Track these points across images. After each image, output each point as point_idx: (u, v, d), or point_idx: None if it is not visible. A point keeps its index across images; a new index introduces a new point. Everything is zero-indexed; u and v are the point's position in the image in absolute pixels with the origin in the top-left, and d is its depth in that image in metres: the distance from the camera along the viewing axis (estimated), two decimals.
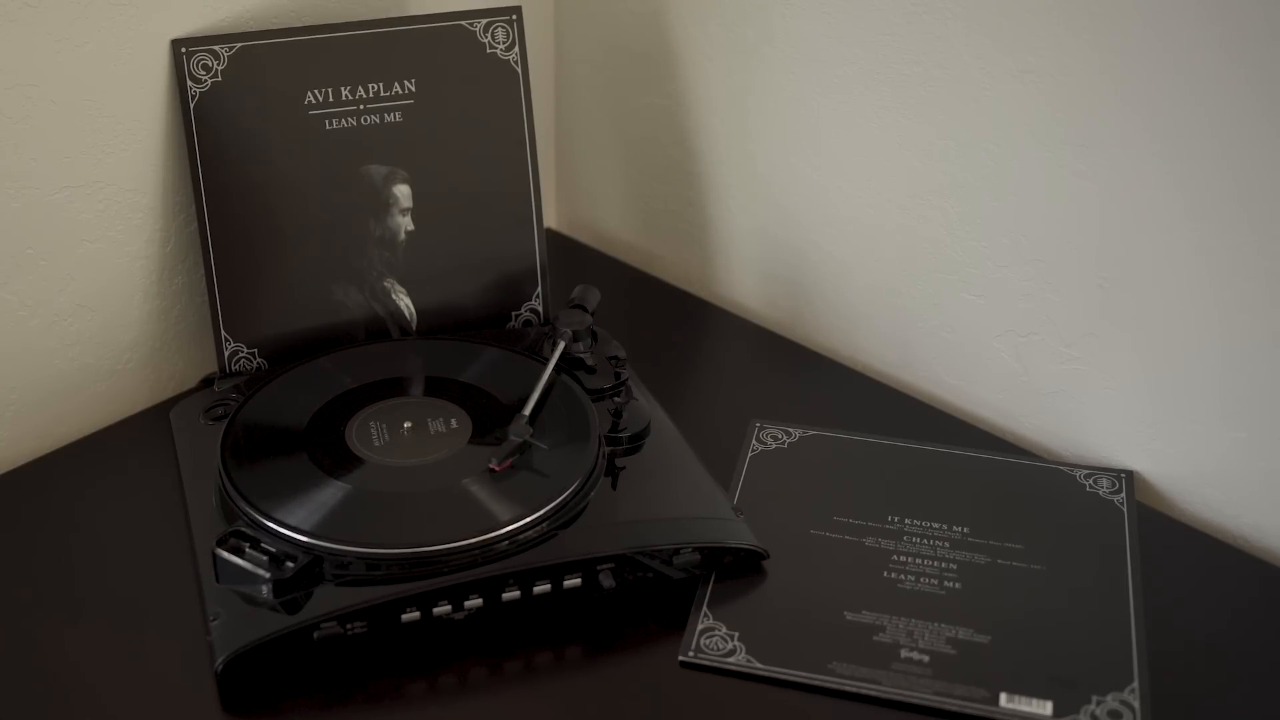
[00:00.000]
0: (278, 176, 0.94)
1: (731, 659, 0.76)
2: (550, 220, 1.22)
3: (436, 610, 0.76)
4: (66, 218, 0.90)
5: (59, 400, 0.93)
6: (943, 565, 0.83)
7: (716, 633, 0.78)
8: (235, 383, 0.92)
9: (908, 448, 0.93)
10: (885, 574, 0.82)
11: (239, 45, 0.92)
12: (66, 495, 0.88)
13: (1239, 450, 0.87)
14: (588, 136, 1.18)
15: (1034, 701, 0.74)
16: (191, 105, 0.91)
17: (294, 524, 0.78)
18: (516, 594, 0.77)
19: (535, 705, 0.74)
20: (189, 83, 0.91)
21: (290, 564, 0.75)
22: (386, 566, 0.76)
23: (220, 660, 0.72)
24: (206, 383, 0.94)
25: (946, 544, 0.85)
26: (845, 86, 0.98)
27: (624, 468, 0.86)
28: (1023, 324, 0.95)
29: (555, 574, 0.78)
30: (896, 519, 0.87)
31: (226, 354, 0.94)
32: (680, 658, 0.77)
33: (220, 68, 0.92)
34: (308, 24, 0.95)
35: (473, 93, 0.97)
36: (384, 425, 0.86)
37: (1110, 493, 0.89)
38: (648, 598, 0.80)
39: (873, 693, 0.75)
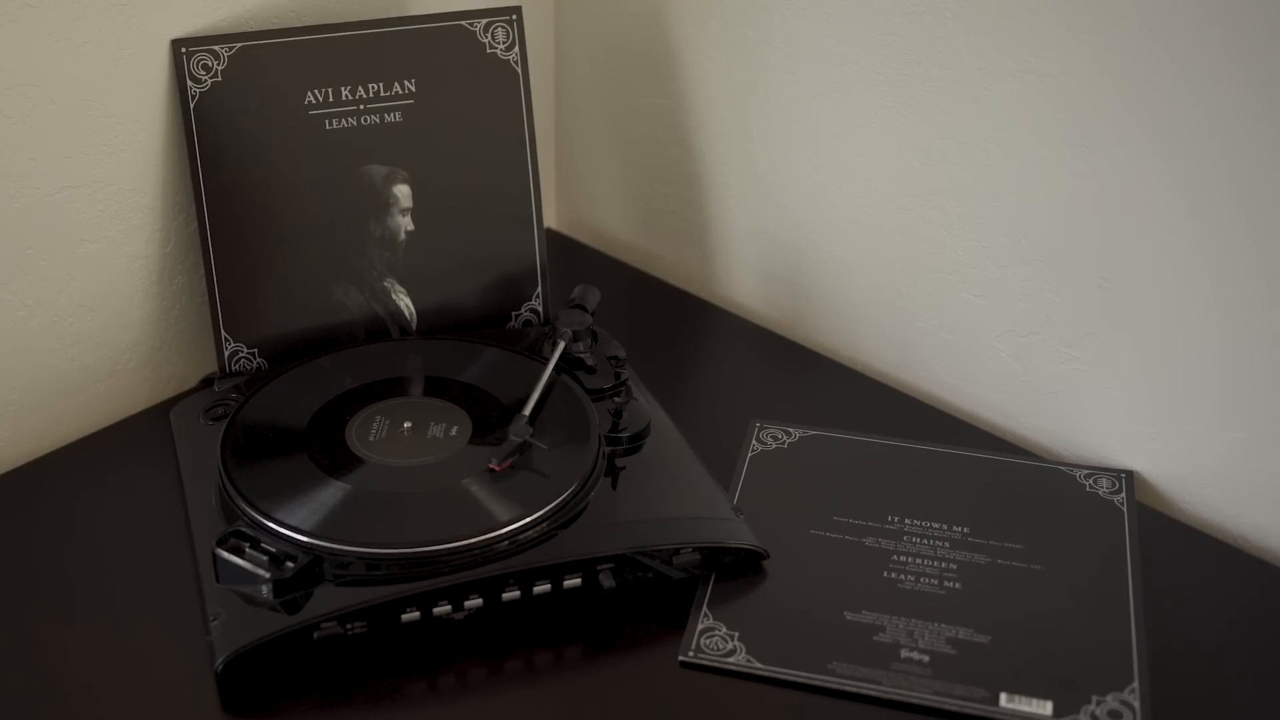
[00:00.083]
0: (278, 176, 0.94)
1: (731, 659, 0.76)
2: (550, 220, 1.22)
3: (436, 610, 0.76)
4: (66, 218, 0.90)
5: (59, 400, 0.93)
6: (943, 565, 0.83)
7: (716, 633, 0.78)
8: (235, 383, 0.92)
9: (908, 448, 0.93)
10: (885, 574, 0.82)
11: (239, 45, 0.92)
12: (66, 495, 0.88)
13: (1239, 450, 0.87)
14: (588, 136, 1.18)
15: (1034, 701, 0.74)
16: (191, 105, 0.91)
17: (294, 524, 0.78)
18: (516, 594, 0.77)
19: (535, 705, 0.74)
20: (189, 83, 0.91)
21: (290, 564, 0.75)
22: (386, 566, 0.76)
23: (220, 660, 0.72)
24: (206, 383, 0.94)
25: (946, 544, 0.85)
26: (845, 86, 0.98)
27: (624, 468, 0.86)
28: (1023, 324, 0.95)
29: (555, 574, 0.78)
30: (896, 519, 0.87)
31: (226, 354, 0.94)
32: (680, 658, 0.77)
33: (220, 68, 0.92)
34: (308, 24, 0.95)
35: (473, 93, 0.97)
36: (384, 425, 0.86)
37: (1110, 493, 0.89)
38: (648, 598, 0.80)
39: (873, 693, 0.75)
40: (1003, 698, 0.74)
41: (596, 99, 1.16)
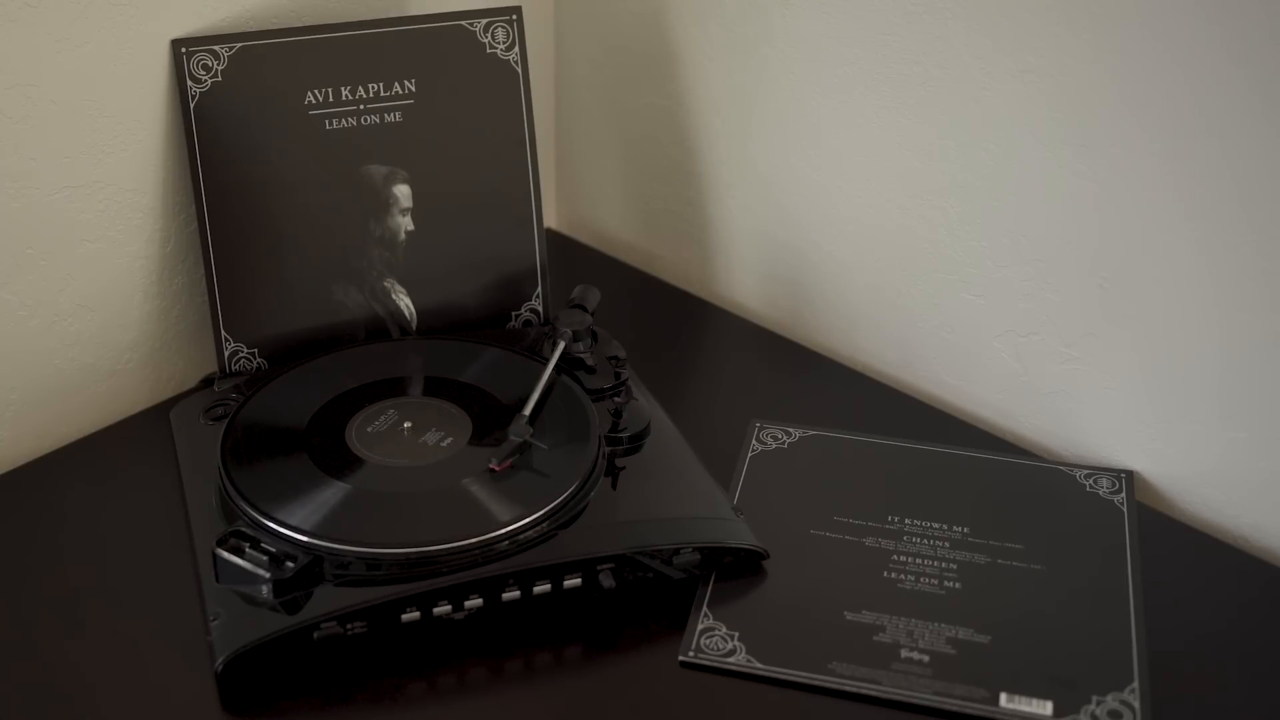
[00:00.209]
0: (278, 176, 0.94)
1: (731, 659, 0.76)
2: (550, 220, 1.22)
3: (436, 610, 0.76)
4: (66, 218, 0.90)
5: (59, 400, 0.93)
6: (943, 565, 0.83)
7: (716, 633, 0.78)
8: (235, 383, 0.92)
9: (908, 448, 0.93)
10: (885, 574, 0.82)
11: (239, 45, 0.92)
12: (66, 495, 0.88)
13: (1239, 450, 0.87)
14: (588, 136, 1.18)
15: (1034, 701, 0.74)
16: (191, 105, 0.91)
17: (294, 524, 0.78)
18: (516, 594, 0.77)
19: (535, 705, 0.74)
20: (189, 83, 0.91)
21: (290, 564, 0.75)
22: (386, 566, 0.76)
23: (220, 660, 0.72)
24: (206, 383, 0.94)
25: (946, 544, 0.85)
26: (845, 86, 0.98)
27: (624, 468, 0.86)
28: (1023, 324, 0.95)
29: (555, 574, 0.78)
30: (896, 519, 0.87)
31: (226, 354, 0.94)
32: (680, 658, 0.77)
33: (220, 68, 0.92)
34: (308, 24, 0.95)
35: (473, 93, 0.97)
36: (384, 425, 0.86)
37: (1110, 493, 0.89)
38: (648, 598, 0.80)
39: (873, 693, 0.75)
40: (1003, 698, 0.74)
41: (596, 99, 1.16)
